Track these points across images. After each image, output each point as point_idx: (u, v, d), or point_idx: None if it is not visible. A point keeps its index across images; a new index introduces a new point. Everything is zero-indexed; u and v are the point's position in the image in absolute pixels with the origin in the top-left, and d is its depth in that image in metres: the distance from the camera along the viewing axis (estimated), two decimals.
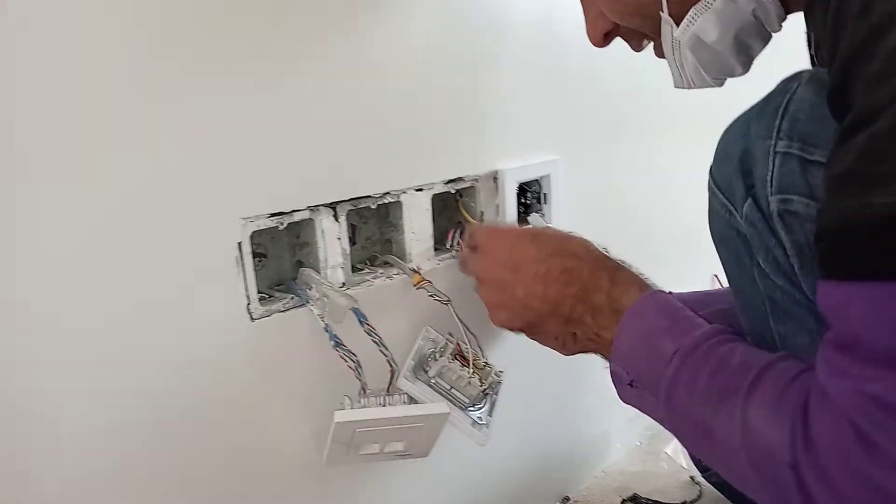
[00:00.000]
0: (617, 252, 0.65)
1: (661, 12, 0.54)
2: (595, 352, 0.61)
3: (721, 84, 0.58)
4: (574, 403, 0.92)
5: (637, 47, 0.62)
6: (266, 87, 0.56)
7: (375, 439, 0.58)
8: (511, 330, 0.63)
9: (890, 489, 0.37)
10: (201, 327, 0.56)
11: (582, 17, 0.61)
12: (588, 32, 0.61)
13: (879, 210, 0.36)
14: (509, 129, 0.77)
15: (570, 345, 0.62)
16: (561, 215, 0.81)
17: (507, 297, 0.62)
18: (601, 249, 0.63)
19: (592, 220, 0.87)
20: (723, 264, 0.62)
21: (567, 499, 0.91)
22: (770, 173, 0.51)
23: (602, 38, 0.60)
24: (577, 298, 0.59)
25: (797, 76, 0.53)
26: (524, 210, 0.81)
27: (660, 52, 0.60)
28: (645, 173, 0.97)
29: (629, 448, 1.02)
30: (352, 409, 0.57)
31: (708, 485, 0.88)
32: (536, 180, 0.80)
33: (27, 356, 0.48)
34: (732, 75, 0.57)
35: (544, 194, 0.81)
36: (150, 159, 0.51)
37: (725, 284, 0.67)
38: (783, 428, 0.42)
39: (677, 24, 0.54)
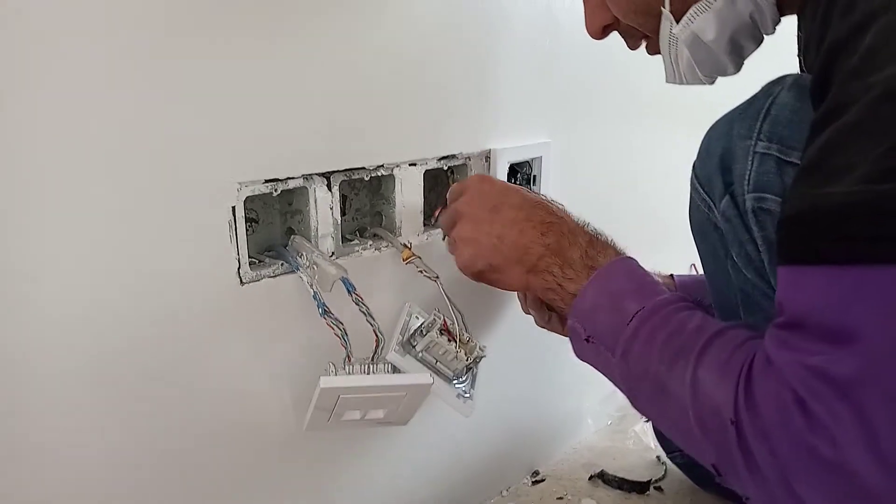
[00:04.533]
0: None
1: (662, 8, 0.55)
2: (550, 301, 0.62)
3: (712, 82, 0.60)
4: (549, 380, 0.95)
5: (633, 45, 0.63)
6: (267, 54, 0.57)
7: (358, 406, 0.60)
8: (470, 271, 0.64)
9: (822, 453, 0.39)
10: (191, 288, 0.56)
11: (581, 4, 0.62)
12: (587, 23, 0.62)
13: (837, 199, 0.38)
14: (504, 109, 0.77)
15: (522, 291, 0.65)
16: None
17: (480, 234, 0.62)
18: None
19: (580, 205, 0.88)
20: (700, 256, 0.65)
21: (536, 472, 0.94)
22: (748, 172, 0.53)
23: (600, 31, 0.61)
24: (549, 249, 0.59)
25: (781, 80, 0.55)
26: None
27: (653, 51, 0.61)
28: (634, 162, 0.98)
29: (599, 426, 1.05)
30: (336, 375, 0.58)
31: (673, 465, 0.92)
32: (527, 162, 0.81)
33: (11, 308, 0.48)
34: (724, 74, 0.59)
35: (534, 176, 0.82)
36: (149, 118, 0.51)
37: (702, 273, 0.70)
38: (728, 388, 0.45)
39: (677, 21, 0.55)
